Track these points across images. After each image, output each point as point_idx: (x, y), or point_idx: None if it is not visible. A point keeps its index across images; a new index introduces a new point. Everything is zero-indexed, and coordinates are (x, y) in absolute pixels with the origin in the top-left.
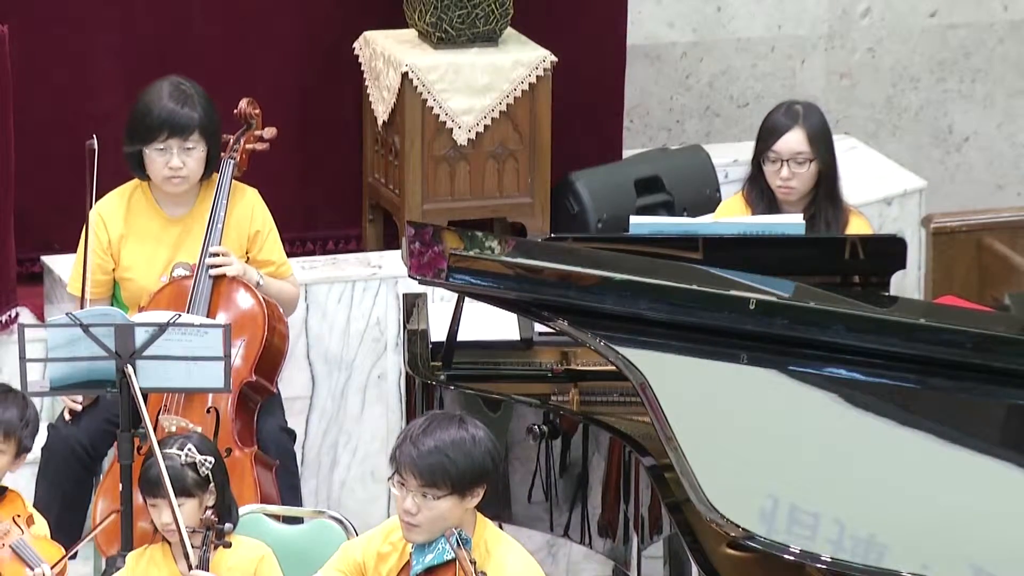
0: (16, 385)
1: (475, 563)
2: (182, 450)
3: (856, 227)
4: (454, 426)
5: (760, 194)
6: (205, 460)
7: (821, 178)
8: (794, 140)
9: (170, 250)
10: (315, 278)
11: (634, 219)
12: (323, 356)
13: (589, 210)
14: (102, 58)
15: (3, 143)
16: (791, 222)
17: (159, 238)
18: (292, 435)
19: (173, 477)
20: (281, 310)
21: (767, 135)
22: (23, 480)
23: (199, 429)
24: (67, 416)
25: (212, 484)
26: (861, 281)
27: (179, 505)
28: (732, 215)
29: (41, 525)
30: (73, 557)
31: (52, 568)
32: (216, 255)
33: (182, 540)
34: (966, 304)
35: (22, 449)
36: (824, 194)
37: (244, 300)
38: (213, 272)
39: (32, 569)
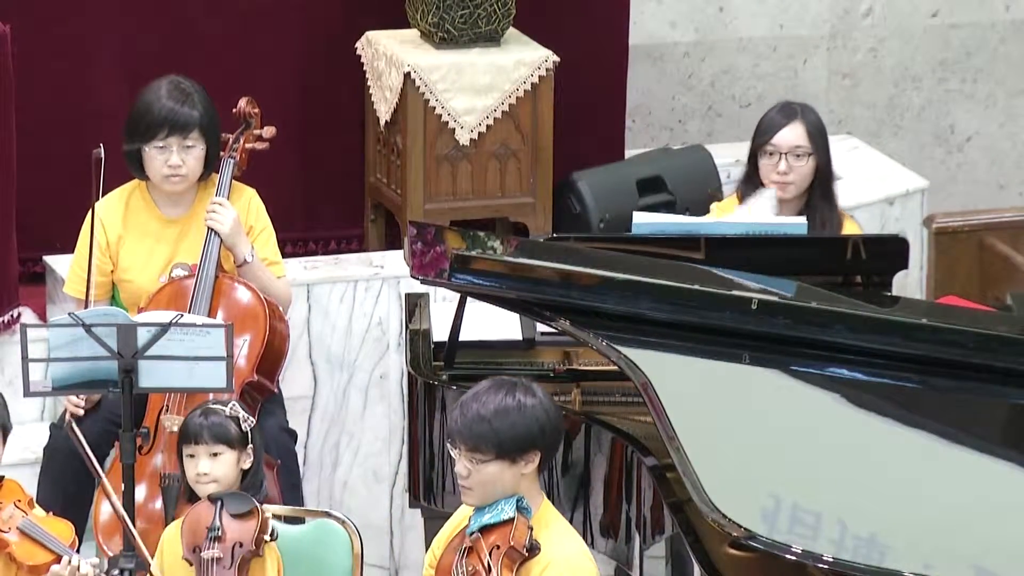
0: (19, 385)
1: (532, 529)
2: (226, 405)
3: (849, 231)
4: (503, 392)
5: (754, 194)
6: (247, 417)
7: (817, 177)
8: (794, 133)
9: (168, 250)
10: (317, 278)
11: (637, 216)
12: (325, 356)
13: (591, 210)
14: (104, 57)
15: (5, 142)
16: (794, 222)
17: (157, 238)
18: (293, 435)
19: (217, 427)
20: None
21: (765, 130)
22: (24, 480)
23: None
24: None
25: (251, 446)
26: (863, 281)
27: (218, 455)
28: (726, 214)
29: (38, 511)
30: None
31: (69, 545)
32: (217, 203)
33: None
34: (968, 304)
35: (7, 432)
36: (820, 194)
37: (245, 300)
38: (208, 222)
39: (44, 546)
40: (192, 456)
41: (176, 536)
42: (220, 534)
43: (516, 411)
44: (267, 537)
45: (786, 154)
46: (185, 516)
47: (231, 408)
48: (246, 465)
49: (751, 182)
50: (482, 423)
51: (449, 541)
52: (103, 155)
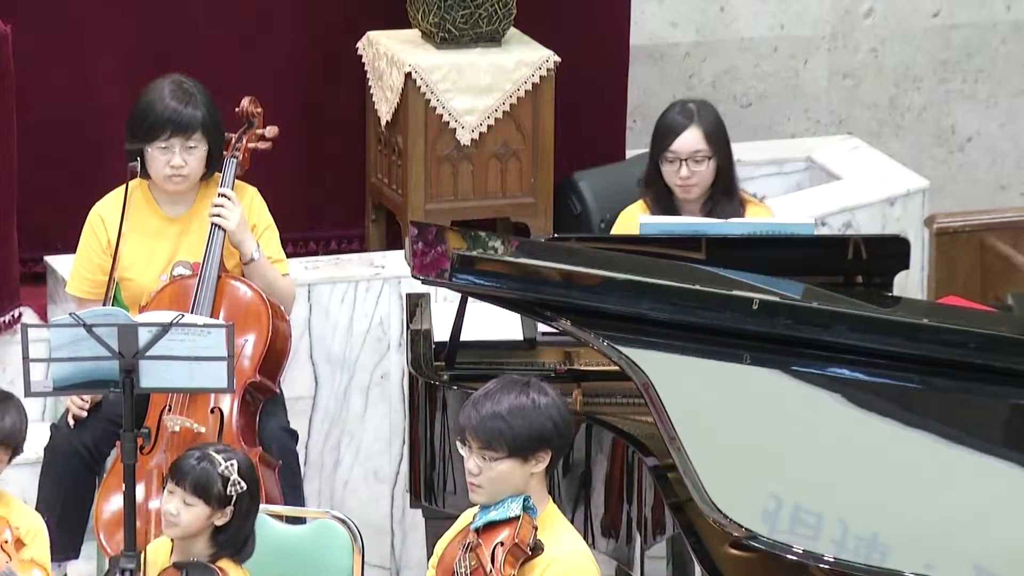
0: (20, 385)
1: (537, 529)
2: (227, 460)
3: (757, 215)
4: (516, 391)
5: (658, 194)
6: (238, 482)
7: (719, 176)
8: (691, 139)
9: (170, 249)
10: (318, 278)
11: (643, 218)
12: (326, 356)
13: (592, 210)
14: (105, 57)
15: (6, 142)
16: (799, 223)
17: (158, 237)
18: (294, 435)
19: (201, 477)
20: (283, 308)
21: (664, 135)
22: (25, 479)
23: (203, 429)
24: (71, 421)
25: (231, 507)
26: (864, 281)
27: (191, 505)
28: (635, 220)
29: (36, 520)
30: (76, 556)
31: None
32: (223, 196)
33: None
34: (969, 304)
35: (15, 454)
36: (721, 190)
37: (248, 300)
38: (213, 218)
39: None
40: (171, 492)
41: (159, 549)
42: None
43: (531, 409)
44: None
45: (686, 160)
46: None
47: (227, 467)
48: (219, 522)
49: (655, 184)
50: (497, 420)
51: (453, 539)
52: (138, 169)
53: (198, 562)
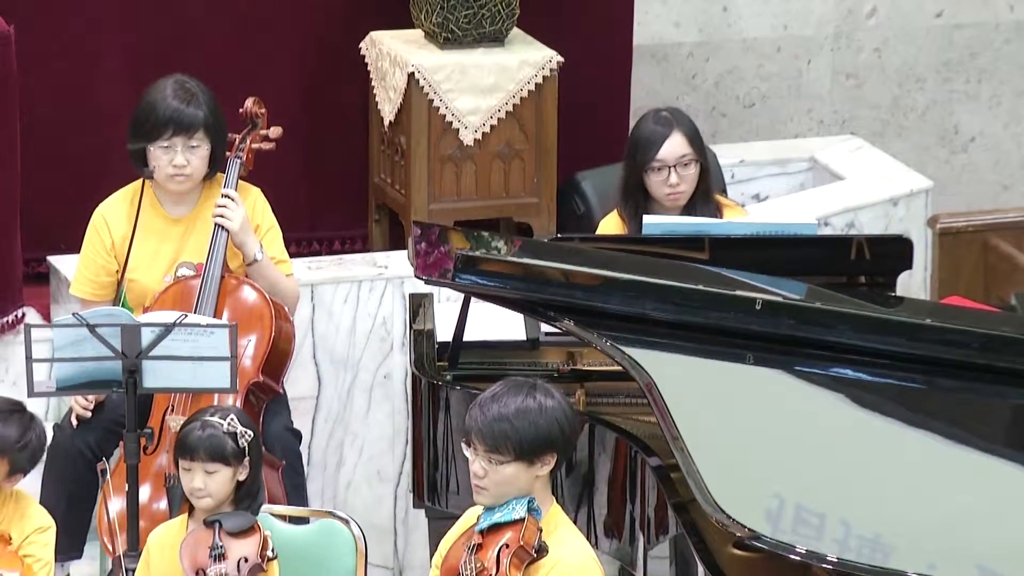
0: (23, 385)
1: (541, 531)
2: (224, 419)
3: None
4: (523, 394)
5: (636, 209)
6: (245, 432)
7: (700, 178)
8: (677, 144)
9: (173, 250)
10: (321, 278)
11: (647, 218)
12: (329, 356)
13: (595, 210)
14: (108, 57)
15: (9, 142)
16: (803, 223)
17: (162, 238)
18: (297, 435)
19: (213, 444)
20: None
21: (646, 146)
22: (28, 480)
23: None
24: (74, 422)
25: (248, 458)
26: (867, 281)
27: (213, 472)
28: (611, 231)
29: (45, 519)
30: (79, 556)
31: None
32: (226, 197)
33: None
34: (972, 304)
35: (16, 470)
36: (700, 193)
37: (251, 300)
38: (216, 219)
39: None
40: (188, 470)
41: (165, 539)
42: (223, 552)
43: (537, 412)
44: (269, 554)
45: (674, 166)
46: (183, 541)
47: (229, 423)
48: (242, 477)
49: (634, 199)
50: (503, 423)
51: (457, 540)
52: (152, 174)
53: (229, 512)
